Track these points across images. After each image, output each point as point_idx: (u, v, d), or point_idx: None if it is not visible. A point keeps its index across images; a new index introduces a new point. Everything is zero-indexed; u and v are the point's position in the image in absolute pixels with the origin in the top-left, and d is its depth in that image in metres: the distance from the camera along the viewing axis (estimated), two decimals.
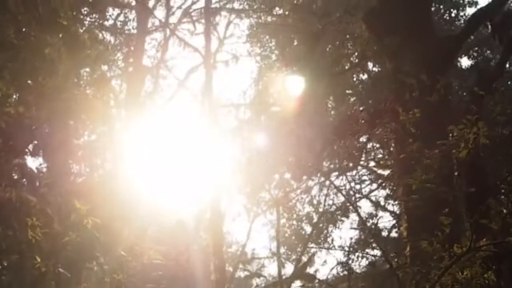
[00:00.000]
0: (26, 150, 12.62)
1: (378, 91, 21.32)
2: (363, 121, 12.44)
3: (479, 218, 10.73)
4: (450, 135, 12.71)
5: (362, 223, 20.63)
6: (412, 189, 13.00)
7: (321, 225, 28.62)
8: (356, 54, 24.99)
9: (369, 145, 23.34)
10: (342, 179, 26.58)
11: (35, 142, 12.42)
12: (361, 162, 24.93)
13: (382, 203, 28.66)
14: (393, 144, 17.81)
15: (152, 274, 19.96)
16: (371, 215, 28.99)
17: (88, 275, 10.90)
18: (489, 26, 19.28)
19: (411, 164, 12.57)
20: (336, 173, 25.55)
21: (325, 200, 27.59)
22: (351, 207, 21.05)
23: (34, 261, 9.96)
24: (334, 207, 27.69)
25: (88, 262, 10.50)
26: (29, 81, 10.63)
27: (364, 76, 27.56)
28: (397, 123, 12.60)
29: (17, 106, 10.09)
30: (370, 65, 26.60)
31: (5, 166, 11.94)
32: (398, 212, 27.11)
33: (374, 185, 27.44)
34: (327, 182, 27.38)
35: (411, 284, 11.69)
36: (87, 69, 12.90)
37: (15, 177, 12.43)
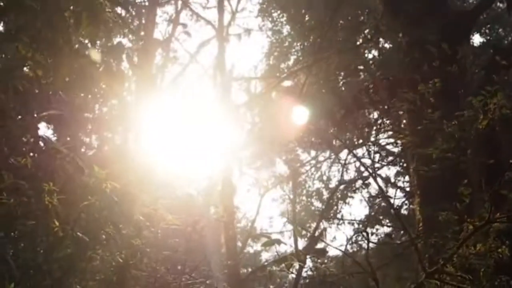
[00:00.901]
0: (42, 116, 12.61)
1: (390, 67, 21.23)
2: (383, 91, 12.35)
3: (498, 189, 10.66)
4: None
5: (381, 192, 20.49)
6: (428, 161, 12.96)
7: (331, 201, 28.64)
8: (368, 30, 24.93)
9: (380, 121, 23.46)
10: (350, 155, 26.67)
11: (51, 110, 12.41)
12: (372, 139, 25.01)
13: (392, 181, 28.70)
14: (404, 120, 17.81)
15: (169, 240, 20.00)
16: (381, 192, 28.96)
17: (106, 240, 10.88)
18: (506, 1, 19.12)
19: (428, 135, 12.49)
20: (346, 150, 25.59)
21: (343, 174, 27.43)
22: (369, 178, 21.06)
23: (52, 225, 9.94)
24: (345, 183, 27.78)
25: (107, 227, 10.46)
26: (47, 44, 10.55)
27: (376, 52, 27.44)
28: (416, 93, 12.52)
29: (35, 69, 10.00)
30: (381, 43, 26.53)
31: (20, 131, 11.92)
32: (408, 189, 27.12)
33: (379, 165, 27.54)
34: (343, 156, 27.55)
35: (428, 254, 11.65)
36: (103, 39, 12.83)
37: (30, 142, 12.43)
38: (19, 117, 11.47)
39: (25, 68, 10.38)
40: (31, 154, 12.07)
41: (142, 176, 11.92)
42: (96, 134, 14.98)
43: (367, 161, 26.66)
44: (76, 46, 11.30)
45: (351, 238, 26.15)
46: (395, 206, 28.60)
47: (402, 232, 27.59)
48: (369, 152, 14.16)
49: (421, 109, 12.34)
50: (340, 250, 22.79)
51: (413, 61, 15.43)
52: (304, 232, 28.84)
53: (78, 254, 10.56)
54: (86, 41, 11.46)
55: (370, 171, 12.05)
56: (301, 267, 13.19)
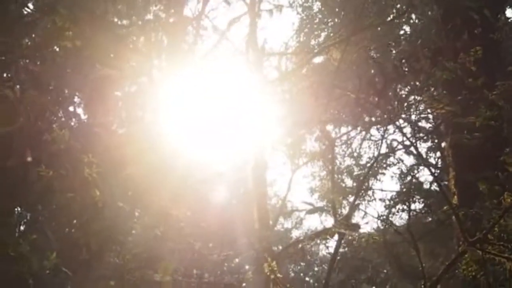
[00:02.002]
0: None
1: (422, 43, 21.03)
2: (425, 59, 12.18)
3: None
4: None
5: (422, 161, 20.31)
6: (467, 132, 12.80)
7: (361, 178, 28.49)
8: (398, 6, 24.68)
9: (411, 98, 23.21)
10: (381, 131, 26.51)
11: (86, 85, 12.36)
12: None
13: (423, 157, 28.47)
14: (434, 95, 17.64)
15: (201, 223, 20.02)
16: (412, 168, 28.82)
17: (146, 209, 10.89)
18: None
19: (469, 104, 12.31)
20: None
21: (381, 145, 27.22)
22: (404, 152, 20.89)
23: (92, 196, 9.93)
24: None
25: (146, 196, 10.46)
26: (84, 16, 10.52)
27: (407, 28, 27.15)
28: (456, 61, 12.33)
29: (74, 40, 9.97)
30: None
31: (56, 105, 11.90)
32: (440, 165, 26.93)
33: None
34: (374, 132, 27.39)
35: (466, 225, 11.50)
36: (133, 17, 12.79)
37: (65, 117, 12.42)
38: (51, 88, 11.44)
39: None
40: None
41: (169, 159, 11.89)
42: (126, 112, 14.95)
43: (399, 138, 26.62)
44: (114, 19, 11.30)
45: (391, 205, 25.97)
46: (425, 183, 28.51)
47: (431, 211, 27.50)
48: (409, 121, 13.99)
49: (461, 78, 12.16)
50: (381, 219, 22.55)
51: (453, 30, 15.23)
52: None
53: (117, 227, 10.56)
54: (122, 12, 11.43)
55: (411, 141, 11.89)
56: (340, 240, 13.07)
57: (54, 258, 9.54)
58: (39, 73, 10.85)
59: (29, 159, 10.10)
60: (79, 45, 10.02)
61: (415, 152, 15.69)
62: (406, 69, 12.47)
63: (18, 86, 8.93)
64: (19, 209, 11.34)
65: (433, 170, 24.11)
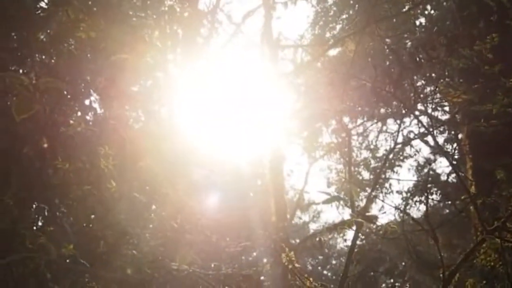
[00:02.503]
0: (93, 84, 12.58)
1: (437, 31, 20.95)
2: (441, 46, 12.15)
3: None
4: None
5: (440, 150, 20.24)
6: (484, 120, 12.76)
7: (378, 170, 28.46)
8: None
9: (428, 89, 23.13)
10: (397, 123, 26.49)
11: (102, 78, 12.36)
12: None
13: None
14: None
15: (218, 215, 20.00)
16: (429, 160, 28.77)
17: (162, 200, 10.91)
18: None
19: (486, 92, 12.27)
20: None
21: (398, 134, 27.17)
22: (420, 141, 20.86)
23: (108, 187, 9.96)
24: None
25: (163, 187, 10.48)
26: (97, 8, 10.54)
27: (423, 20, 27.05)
28: (473, 49, 12.28)
29: (88, 31, 9.98)
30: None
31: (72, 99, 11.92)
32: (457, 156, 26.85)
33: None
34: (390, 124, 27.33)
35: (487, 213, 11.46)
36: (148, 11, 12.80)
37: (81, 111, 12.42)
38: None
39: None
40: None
41: (185, 153, 11.91)
42: (142, 108, 14.97)
43: (415, 130, 26.56)
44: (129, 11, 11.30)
45: (411, 194, 25.93)
46: (442, 174, 28.45)
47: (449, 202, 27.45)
48: (425, 112, 13.97)
49: (478, 66, 12.12)
50: (399, 208, 22.54)
51: (469, 17, 15.16)
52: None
53: (133, 219, 10.59)
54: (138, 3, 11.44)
55: (429, 130, 11.83)
56: (357, 231, 13.01)
57: (71, 249, 9.56)
58: (55, 67, 10.87)
59: (45, 145, 10.12)
60: (93, 36, 10.03)
61: (432, 142, 15.66)
62: (422, 57, 12.45)
63: (33, 73, 8.94)
64: (36, 202, 11.36)
65: (451, 160, 24.02)
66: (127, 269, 10.39)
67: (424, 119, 21.42)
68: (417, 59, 12.42)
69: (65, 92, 11.30)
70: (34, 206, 11.23)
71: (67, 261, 9.60)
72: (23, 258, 9.27)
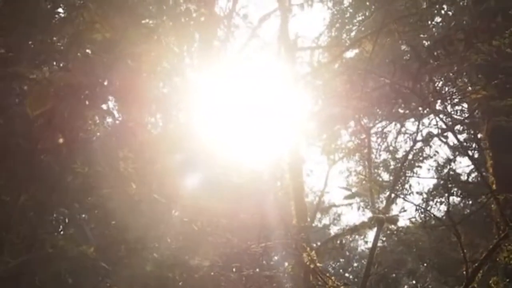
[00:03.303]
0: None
1: (455, 25, 20.87)
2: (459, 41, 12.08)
3: None
4: None
5: (462, 147, 20.13)
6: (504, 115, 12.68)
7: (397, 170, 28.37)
8: None
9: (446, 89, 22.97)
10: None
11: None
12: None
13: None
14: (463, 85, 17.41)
15: (240, 216, 19.94)
16: (448, 160, 28.65)
17: (184, 204, 10.90)
18: None
19: (505, 88, 12.18)
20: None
21: (418, 130, 27.10)
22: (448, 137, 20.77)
23: (128, 190, 9.95)
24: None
25: (184, 189, 10.49)
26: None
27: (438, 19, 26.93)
28: (491, 44, 12.17)
29: (103, 32, 9.98)
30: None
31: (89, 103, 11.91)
32: (476, 156, 26.72)
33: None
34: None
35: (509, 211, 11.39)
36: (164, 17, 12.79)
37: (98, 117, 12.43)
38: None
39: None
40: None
41: (204, 157, 11.92)
42: (160, 113, 15.00)
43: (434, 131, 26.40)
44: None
45: (431, 194, 25.85)
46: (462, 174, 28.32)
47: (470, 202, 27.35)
48: (445, 107, 13.91)
49: (497, 61, 12.02)
50: (420, 207, 22.44)
51: (487, 11, 15.08)
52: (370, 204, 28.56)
53: (154, 223, 10.59)
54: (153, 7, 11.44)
55: (450, 127, 11.78)
56: (378, 232, 12.99)
57: (92, 251, 9.56)
58: (72, 72, 10.87)
59: (60, 140, 10.11)
60: (109, 37, 10.03)
61: (451, 141, 15.59)
62: (440, 53, 12.37)
63: (47, 68, 8.95)
64: (56, 207, 11.37)
65: (471, 156, 23.93)
66: (148, 271, 10.39)
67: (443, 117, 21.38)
68: (435, 54, 12.33)
69: (82, 96, 11.31)
70: (54, 210, 11.25)
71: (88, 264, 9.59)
72: (42, 257, 9.29)
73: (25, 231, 10.10)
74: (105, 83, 11.81)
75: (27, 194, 10.13)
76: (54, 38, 11.37)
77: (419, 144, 23.32)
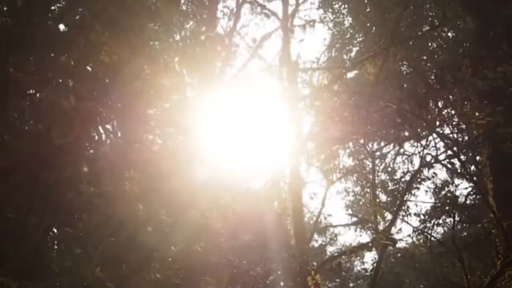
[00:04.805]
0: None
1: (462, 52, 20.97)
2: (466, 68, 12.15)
3: None
4: None
5: (465, 171, 20.17)
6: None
7: (396, 193, 28.40)
8: (430, 20, 24.60)
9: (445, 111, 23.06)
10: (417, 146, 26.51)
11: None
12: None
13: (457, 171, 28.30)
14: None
15: (242, 238, 19.97)
16: (446, 183, 28.67)
17: (189, 223, 10.92)
18: None
19: (510, 114, 12.21)
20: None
21: (423, 156, 27.19)
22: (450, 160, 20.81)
23: (135, 210, 9.97)
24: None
25: (189, 211, 10.51)
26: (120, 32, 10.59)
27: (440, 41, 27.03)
28: (496, 71, 12.23)
29: (111, 55, 10.02)
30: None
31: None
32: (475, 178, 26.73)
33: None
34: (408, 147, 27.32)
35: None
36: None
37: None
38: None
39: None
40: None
41: (202, 176, 11.95)
42: (159, 130, 15.02)
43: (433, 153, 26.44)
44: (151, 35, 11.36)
45: (429, 216, 25.91)
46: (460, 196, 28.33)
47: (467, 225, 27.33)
48: (451, 131, 13.97)
49: (502, 87, 12.07)
50: (426, 232, 22.46)
51: (493, 39, 15.16)
52: (369, 225, 28.62)
53: (158, 243, 10.60)
54: (160, 29, 11.49)
55: (454, 150, 11.81)
56: (382, 253, 13.03)
57: (98, 272, 9.57)
58: (79, 90, 10.90)
59: (85, 169, 10.15)
60: (116, 59, 10.07)
61: (455, 163, 15.64)
62: (447, 79, 12.47)
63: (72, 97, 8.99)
64: (60, 226, 11.36)
65: (471, 182, 23.95)
66: None
67: (442, 143, 21.44)
68: (444, 80, 12.42)
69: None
70: (57, 230, 11.25)
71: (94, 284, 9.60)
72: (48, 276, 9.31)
73: (29, 249, 10.10)
74: (109, 102, 11.87)
75: (31, 212, 10.15)
76: (62, 58, 11.41)
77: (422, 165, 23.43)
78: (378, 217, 11.83)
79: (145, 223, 10.12)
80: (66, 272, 9.52)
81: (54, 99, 6.87)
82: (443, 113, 16.09)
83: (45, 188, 10.40)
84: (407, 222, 20.96)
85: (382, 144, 28.86)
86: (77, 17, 12.21)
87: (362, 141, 17.81)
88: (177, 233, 10.95)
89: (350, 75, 27.95)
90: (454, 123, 12.92)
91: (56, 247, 11.11)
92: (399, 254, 29.48)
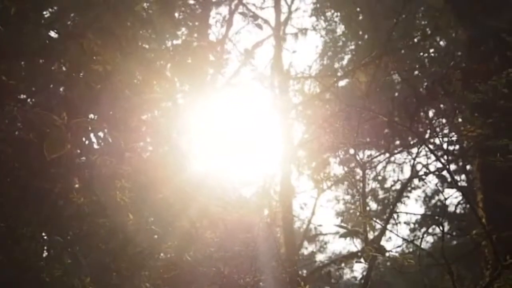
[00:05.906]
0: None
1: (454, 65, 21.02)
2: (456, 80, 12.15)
3: None
4: None
5: (455, 182, 20.24)
6: (497, 155, 12.71)
7: (386, 201, 28.52)
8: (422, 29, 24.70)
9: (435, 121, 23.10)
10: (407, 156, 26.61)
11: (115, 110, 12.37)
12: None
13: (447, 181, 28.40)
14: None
15: (234, 247, 19.91)
16: (437, 192, 28.80)
17: (179, 233, 10.93)
18: None
19: (501, 127, 12.23)
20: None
21: (414, 166, 27.29)
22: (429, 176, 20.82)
23: (125, 220, 9.97)
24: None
25: (179, 220, 10.51)
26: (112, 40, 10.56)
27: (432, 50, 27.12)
28: (486, 83, 12.27)
29: (104, 65, 10.01)
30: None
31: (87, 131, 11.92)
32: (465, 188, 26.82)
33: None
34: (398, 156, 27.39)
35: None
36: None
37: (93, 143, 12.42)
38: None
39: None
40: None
41: (193, 184, 11.94)
42: (150, 137, 15.02)
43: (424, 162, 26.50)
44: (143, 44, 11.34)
45: (416, 228, 25.94)
46: (450, 206, 28.42)
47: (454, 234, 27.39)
48: (441, 143, 13.97)
49: (493, 100, 12.10)
50: (414, 243, 22.49)
51: (485, 52, 15.24)
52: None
53: (149, 252, 10.61)
54: (153, 36, 11.48)
55: (443, 162, 11.81)
56: (372, 263, 13.02)
57: (88, 282, 9.57)
58: (71, 99, 10.88)
59: (76, 185, 10.15)
60: (109, 69, 10.07)
61: (445, 174, 15.67)
62: (438, 91, 12.48)
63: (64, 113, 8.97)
64: (49, 235, 11.34)
65: (466, 194, 24.04)
66: None
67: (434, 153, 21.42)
68: (435, 93, 12.44)
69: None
70: (47, 238, 11.21)
71: None
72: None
73: (17, 257, 10.07)
74: (101, 110, 11.85)
75: (20, 221, 10.12)
76: (53, 68, 11.39)
77: (411, 175, 23.47)
78: (368, 227, 11.79)
79: (135, 232, 10.12)
80: (56, 282, 9.50)
81: (47, 116, 6.87)
82: (434, 124, 16.12)
83: (36, 196, 10.38)
84: (397, 234, 20.92)
85: (373, 153, 28.97)
86: (68, 23, 12.21)
87: (352, 151, 17.80)
88: (167, 242, 10.96)
89: (342, 83, 28.05)
90: (445, 133, 12.92)
91: (46, 256, 11.08)
92: (388, 263, 29.55)
